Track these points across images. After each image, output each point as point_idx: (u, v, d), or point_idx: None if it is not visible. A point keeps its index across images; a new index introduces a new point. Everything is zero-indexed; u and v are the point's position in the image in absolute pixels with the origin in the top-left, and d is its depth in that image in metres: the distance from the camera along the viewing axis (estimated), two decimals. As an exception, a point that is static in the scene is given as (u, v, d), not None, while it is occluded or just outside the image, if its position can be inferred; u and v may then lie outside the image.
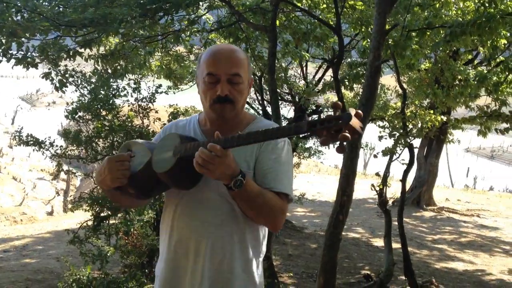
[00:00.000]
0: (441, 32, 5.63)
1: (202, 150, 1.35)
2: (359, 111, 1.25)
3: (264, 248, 1.67)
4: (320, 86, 8.40)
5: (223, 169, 1.37)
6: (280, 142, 1.59)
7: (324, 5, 6.32)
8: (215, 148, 1.34)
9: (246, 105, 9.43)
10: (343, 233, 4.53)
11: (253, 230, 1.60)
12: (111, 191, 1.60)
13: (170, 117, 5.56)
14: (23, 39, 4.10)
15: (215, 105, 1.54)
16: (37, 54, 4.40)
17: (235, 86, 1.54)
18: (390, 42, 5.13)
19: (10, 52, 4.25)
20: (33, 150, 5.25)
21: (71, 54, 4.40)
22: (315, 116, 1.28)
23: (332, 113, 1.25)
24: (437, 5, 5.86)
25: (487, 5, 4.61)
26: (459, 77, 7.31)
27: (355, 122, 1.22)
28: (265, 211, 1.51)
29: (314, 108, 9.10)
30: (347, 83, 6.45)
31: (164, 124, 5.32)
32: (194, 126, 1.66)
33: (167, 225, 1.64)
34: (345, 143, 1.24)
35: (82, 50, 4.59)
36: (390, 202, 5.93)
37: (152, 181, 1.53)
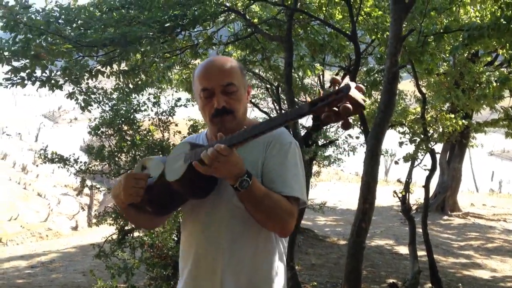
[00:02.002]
0: (459, 35, 5.58)
1: (208, 149, 1.36)
2: (360, 85, 1.21)
3: (283, 259, 1.65)
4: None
5: (229, 167, 1.37)
6: (285, 144, 1.57)
7: (340, 16, 6.35)
8: (220, 147, 1.34)
9: (264, 115, 9.51)
10: (366, 241, 4.49)
11: (268, 241, 1.59)
12: (127, 210, 1.62)
13: (190, 130, 5.63)
14: (46, 61, 4.22)
15: (215, 119, 1.54)
16: (60, 74, 4.52)
17: (230, 95, 1.53)
18: (407, 48, 5.11)
19: (35, 75, 4.37)
20: (58, 167, 5.37)
21: (93, 73, 4.51)
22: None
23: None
24: (454, 9, 5.83)
25: (504, 8, 4.57)
26: (480, 79, 7.22)
27: (355, 93, 1.17)
28: (274, 214, 1.48)
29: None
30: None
31: (184, 136, 5.41)
32: (203, 141, 1.68)
33: (184, 244, 1.67)
34: (350, 119, 1.19)
35: (104, 68, 4.70)
36: (413, 209, 5.86)
37: (167, 194, 1.54)
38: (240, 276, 1.54)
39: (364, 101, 1.21)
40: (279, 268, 1.62)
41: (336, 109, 1.18)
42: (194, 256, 1.60)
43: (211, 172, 1.39)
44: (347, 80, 1.22)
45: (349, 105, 1.16)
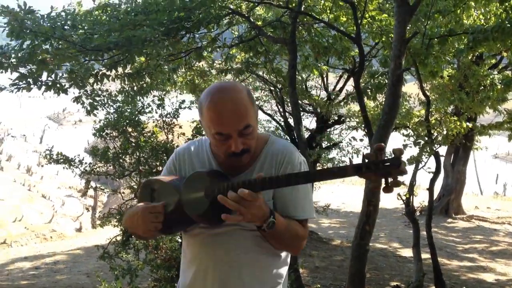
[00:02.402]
0: (463, 38, 5.58)
1: (232, 196, 1.33)
2: (401, 148, 1.24)
3: (286, 271, 1.66)
4: (341, 96, 8.40)
5: (255, 212, 1.37)
6: (296, 165, 1.55)
7: (344, 18, 6.35)
8: (244, 194, 1.33)
9: (268, 117, 9.51)
10: (370, 244, 4.49)
11: (278, 255, 1.60)
12: (140, 237, 1.62)
13: (194, 132, 5.65)
14: (52, 66, 4.24)
15: (231, 158, 1.49)
16: (66, 76, 4.54)
17: (247, 136, 1.47)
18: (411, 50, 5.10)
19: (40, 79, 4.39)
20: (63, 168, 5.40)
21: (98, 77, 4.53)
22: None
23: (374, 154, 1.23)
24: (458, 11, 5.82)
25: (510, 11, 4.56)
26: (484, 82, 7.20)
27: (403, 166, 1.21)
28: (292, 243, 1.54)
29: (336, 118, 9.08)
30: (369, 93, 6.43)
31: (189, 138, 5.42)
32: (208, 155, 1.61)
33: (190, 252, 1.63)
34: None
35: (109, 72, 4.73)
36: (417, 212, 5.85)
37: (180, 221, 1.52)
38: (252, 286, 1.55)
39: (404, 164, 1.24)
40: (283, 283, 1.63)
41: (381, 176, 1.22)
42: (201, 267, 1.58)
43: (238, 220, 1.38)
44: (398, 152, 1.23)
45: (400, 181, 1.21)
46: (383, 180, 1.23)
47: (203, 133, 5.42)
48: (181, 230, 1.65)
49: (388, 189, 1.23)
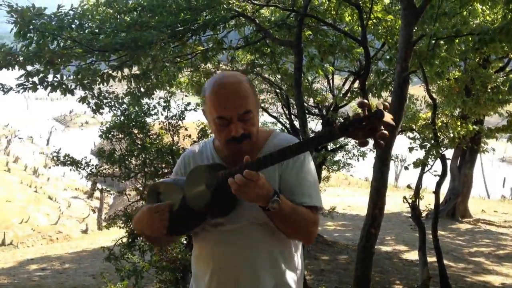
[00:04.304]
0: (470, 39, 5.55)
1: (237, 176, 1.36)
2: (386, 103, 1.24)
3: (300, 263, 1.67)
4: (347, 99, 8.39)
5: (258, 191, 1.38)
6: (300, 156, 1.55)
7: (349, 17, 6.35)
8: (249, 173, 1.35)
9: (273, 119, 9.51)
10: (376, 247, 4.47)
11: (288, 248, 1.61)
12: (149, 239, 1.66)
13: (200, 134, 5.66)
14: (59, 66, 4.27)
15: (231, 143, 1.52)
16: (72, 78, 4.57)
17: (247, 122, 1.51)
18: (417, 51, 5.09)
19: (46, 80, 4.43)
20: (70, 169, 5.43)
21: (104, 78, 4.56)
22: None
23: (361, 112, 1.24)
24: (465, 13, 5.80)
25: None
26: (490, 85, 7.18)
27: (387, 116, 1.21)
28: (300, 226, 1.52)
29: (342, 121, 9.05)
30: (374, 91, 6.42)
31: (194, 141, 5.44)
32: (212, 153, 1.65)
33: (202, 253, 1.64)
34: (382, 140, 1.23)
35: (115, 73, 4.75)
36: (423, 215, 5.82)
37: (187, 218, 1.54)
38: (262, 283, 1.55)
39: (393, 119, 1.24)
40: (299, 272, 1.64)
41: (369, 131, 1.22)
42: (215, 267, 1.59)
43: (241, 197, 1.40)
44: (379, 105, 1.24)
45: (386, 132, 1.20)
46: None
47: (209, 136, 5.44)
48: (190, 229, 1.65)
49: (378, 144, 1.22)
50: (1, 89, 4.34)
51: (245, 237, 1.55)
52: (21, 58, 4.08)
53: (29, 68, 4.26)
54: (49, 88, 4.31)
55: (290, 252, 1.62)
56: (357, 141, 1.26)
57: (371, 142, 1.25)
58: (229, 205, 1.52)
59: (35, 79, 4.28)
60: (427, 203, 8.29)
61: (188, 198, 1.50)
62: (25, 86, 4.24)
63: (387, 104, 1.24)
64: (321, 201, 1.61)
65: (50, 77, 4.49)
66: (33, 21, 4.04)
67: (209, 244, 1.61)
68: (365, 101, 1.25)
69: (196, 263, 1.68)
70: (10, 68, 4.11)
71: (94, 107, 4.93)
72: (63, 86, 4.33)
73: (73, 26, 4.46)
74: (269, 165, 1.38)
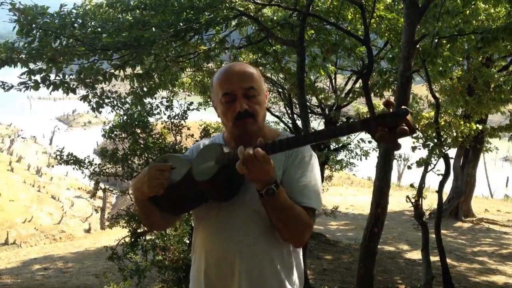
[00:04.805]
0: (473, 38, 5.54)
1: (248, 150, 1.36)
2: (410, 110, 1.25)
3: (299, 263, 1.66)
4: (348, 99, 8.38)
5: (261, 172, 1.38)
6: (307, 155, 1.59)
7: (352, 16, 6.34)
8: (259, 153, 1.35)
9: (276, 119, 9.51)
10: (378, 246, 4.46)
11: (287, 247, 1.60)
12: (145, 204, 1.60)
13: (202, 134, 5.67)
14: (61, 64, 4.28)
15: (237, 122, 1.54)
16: (75, 78, 4.58)
17: (252, 99, 1.54)
18: (420, 49, 5.08)
19: (48, 78, 4.44)
20: (73, 168, 5.44)
21: (107, 77, 4.56)
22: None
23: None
24: (467, 12, 5.78)
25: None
26: (493, 84, 7.16)
27: (410, 118, 1.21)
28: (293, 225, 1.50)
29: (345, 120, 9.05)
30: (376, 90, 6.41)
31: (197, 140, 5.44)
32: (221, 143, 1.68)
33: (201, 247, 1.65)
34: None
35: (117, 72, 4.76)
36: (426, 214, 5.81)
37: (189, 193, 1.54)
38: (257, 279, 1.55)
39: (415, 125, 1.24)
40: (296, 271, 1.63)
41: (390, 130, 1.21)
42: (210, 260, 1.60)
43: (244, 172, 1.39)
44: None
45: (407, 128, 1.20)
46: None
47: (212, 135, 5.44)
48: (187, 207, 1.65)
49: (395, 144, 1.23)
50: (2, 86, 4.36)
51: (244, 232, 1.56)
52: (23, 56, 4.09)
53: (31, 66, 4.27)
54: (51, 86, 4.32)
55: (288, 251, 1.61)
56: (375, 137, 1.24)
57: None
58: (231, 190, 1.52)
59: (37, 77, 4.29)
60: (430, 202, 8.31)
61: (194, 170, 1.51)
62: (27, 85, 4.25)
63: (411, 111, 1.24)
64: (320, 205, 1.59)
65: (52, 76, 4.51)
66: (37, 20, 4.05)
67: (208, 236, 1.62)
68: (392, 100, 1.26)
69: (195, 256, 1.69)
70: (13, 65, 4.12)
71: (94, 106, 4.94)
72: (65, 84, 4.34)
73: (75, 25, 4.47)
74: (285, 149, 1.38)
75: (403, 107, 1.21)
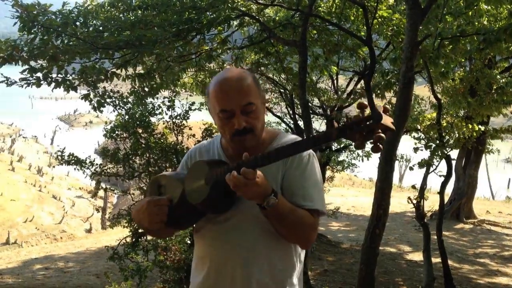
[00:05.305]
0: (475, 39, 5.53)
1: (233, 174, 1.35)
2: (386, 106, 1.24)
3: (299, 266, 1.65)
4: (350, 100, 8.37)
5: (255, 189, 1.38)
6: (304, 156, 1.56)
7: (354, 16, 6.33)
8: (246, 172, 1.34)
9: (278, 119, 9.50)
10: (380, 248, 4.45)
11: (287, 248, 1.59)
12: (149, 230, 1.64)
13: (204, 134, 5.66)
14: (62, 62, 4.28)
15: (235, 138, 1.52)
16: (77, 77, 4.58)
17: (250, 114, 1.51)
18: (421, 50, 5.07)
19: (50, 76, 4.45)
20: (74, 169, 5.43)
21: (108, 76, 4.56)
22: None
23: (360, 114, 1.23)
24: (470, 13, 5.77)
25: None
26: (495, 85, 7.15)
27: (385, 119, 1.20)
28: (297, 229, 1.50)
29: (344, 121, 9.03)
30: (378, 92, 6.40)
31: (199, 140, 5.43)
32: (218, 151, 1.65)
33: (201, 250, 1.65)
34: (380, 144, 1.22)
35: (119, 71, 4.75)
36: (428, 215, 5.79)
37: (187, 213, 1.54)
38: (259, 284, 1.54)
39: (393, 123, 1.24)
40: (297, 275, 1.62)
41: (367, 134, 1.21)
42: (212, 264, 1.59)
43: (239, 195, 1.39)
44: (378, 107, 1.25)
45: (383, 135, 1.19)
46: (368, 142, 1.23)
47: (214, 136, 5.44)
48: (189, 224, 1.66)
49: (376, 148, 1.22)
50: (5, 81, 4.36)
51: (243, 236, 1.55)
52: (24, 54, 4.09)
53: (32, 64, 4.27)
54: (53, 84, 4.32)
55: (289, 254, 1.60)
56: (354, 145, 1.25)
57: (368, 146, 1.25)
58: (227, 201, 1.52)
59: (39, 74, 4.29)
60: (431, 203, 8.27)
61: (187, 192, 1.51)
62: (28, 82, 4.25)
63: (387, 107, 1.24)
64: (324, 204, 1.57)
65: (54, 75, 4.52)
66: (39, 17, 4.05)
67: (207, 242, 1.61)
68: (364, 102, 1.25)
69: (195, 261, 1.68)
70: (14, 63, 4.12)
71: (95, 105, 4.94)
72: (67, 82, 4.34)
73: (77, 23, 4.47)
74: (266, 163, 1.37)
75: (376, 111, 1.21)
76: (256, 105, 1.52)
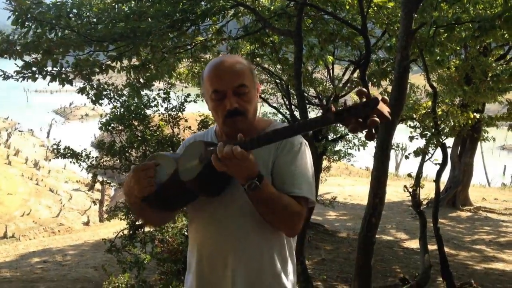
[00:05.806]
0: (470, 27, 5.52)
1: (222, 146, 1.37)
2: (385, 97, 1.26)
3: (292, 256, 1.65)
4: (347, 88, 8.36)
5: (240, 169, 1.39)
6: (296, 144, 1.57)
7: (349, 6, 6.30)
8: (236, 151, 1.35)
9: (274, 110, 9.49)
10: (377, 236, 4.48)
11: (280, 238, 1.59)
12: (139, 206, 1.60)
13: (200, 125, 5.65)
14: (57, 56, 4.25)
15: (227, 119, 1.53)
16: (72, 70, 4.56)
17: (242, 96, 1.53)
18: (417, 38, 5.05)
19: (45, 69, 4.42)
20: (70, 162, 5.43)
21: (103, 68, 4.54)
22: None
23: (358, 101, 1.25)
24: (465, 1, 5.75)
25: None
26: (490, 73, 7.15)
27: (382, 107, 1.22)
28: (282, 216, 1.50)
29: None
30: (374, 80, 6.40)
31: (194, 132, 5.43)
32: (212, 138, 1.67)
33: (194, 239, 1.66)
34: (374, 130, 1.24)
35: (114, 64, 4.73)
36: (424, 203, 5.83)
37: (179, 191, 1.54)
38: (250, 272, 1.55)
39: (389, 113, 1.26)
40: (289, 264, 1.63)
41: (362, 121, 1.23)
42: (204, 252, 1.60)
43: (222, 169, 1.40)
44: (375, 94, 1.27)
45: (377, 119, 1.21)
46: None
47: (210, 127, 5.43)
48: (179, 204, 1.66)
49: (370, 134, 1.24)
50: (1, 75, 4.33)
51: (235, 226, 1.55)
52: (18, 48, 4.06)
53: (26, 58, 4.24)
54: (48, 77, 4.30)
55: (282, 243, 1.60)
56: (348, 128, 1.26)
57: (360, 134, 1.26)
58: (220, 184, 1.52)
59: (34, 68, 4.26)
60: (427, 191, 8.32)
61: (180, 171, 1.51)
62: (24, 75, 4.22)
63: (386, 98, 1.25)
64: (313, 193, 1.57)
65: (49, 69, 4.49)
66: (31, 9, 4.01)
67: (198, 233, 1.63)
68: (363, 89, 1.26)
69: (189, 250, 1.70)
70: (8, 56, 4.09)
71: (93, 98, 4.92)
72: (62, 75, 4.32)
73: (71, 15, 4.43)
74: (262, 144, 1.38)
75: (374, 96, 1.23)
76: (249, 88, 1.54)
